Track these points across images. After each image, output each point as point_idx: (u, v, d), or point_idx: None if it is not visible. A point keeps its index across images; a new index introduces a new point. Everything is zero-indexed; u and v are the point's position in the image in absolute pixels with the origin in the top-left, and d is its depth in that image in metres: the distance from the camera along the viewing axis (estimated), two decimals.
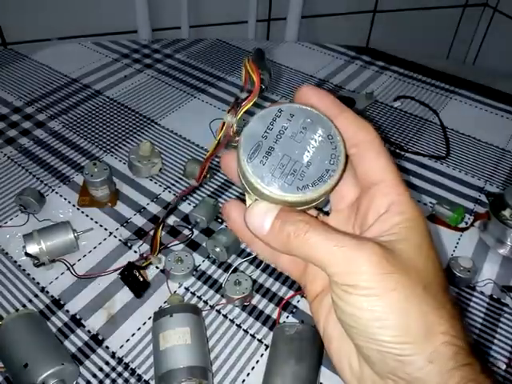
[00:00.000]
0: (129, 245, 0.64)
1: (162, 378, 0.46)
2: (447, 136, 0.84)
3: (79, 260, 0.62)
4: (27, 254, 0.58)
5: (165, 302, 0.57)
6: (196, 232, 0.66)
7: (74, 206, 0.69)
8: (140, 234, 0.65)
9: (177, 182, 0.74)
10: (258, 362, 0.52)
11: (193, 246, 0.64)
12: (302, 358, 0.48)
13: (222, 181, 0.74)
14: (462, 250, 0.65)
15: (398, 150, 0.81)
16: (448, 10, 1.63)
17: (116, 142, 0.81)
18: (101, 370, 0.51)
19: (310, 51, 1.11)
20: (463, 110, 0.92)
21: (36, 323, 0.50)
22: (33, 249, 0.59)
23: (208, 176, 0.73)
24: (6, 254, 0.62)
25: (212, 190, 0.72)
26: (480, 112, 0.92)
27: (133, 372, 0.50)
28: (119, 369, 0.51)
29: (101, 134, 0.83)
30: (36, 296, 0.57)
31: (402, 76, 1.01)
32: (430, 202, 0.71)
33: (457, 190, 0.74)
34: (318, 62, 1.05)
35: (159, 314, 0.50)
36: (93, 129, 0.84)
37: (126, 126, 0.85)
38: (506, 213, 0.62)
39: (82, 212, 0.68)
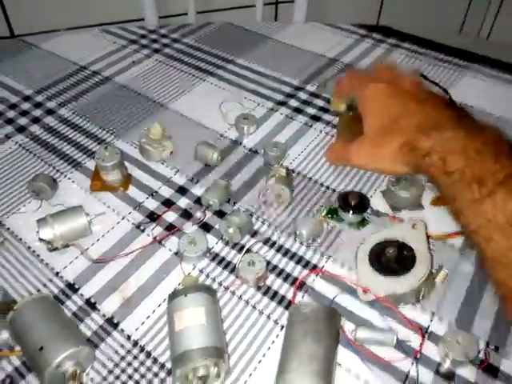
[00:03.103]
0: (141, 228, 0.64)
1: (178, 359, 0.46)
2: None
3: (93, 244, 0.62)
4: (41, 240, 0.58)
5: (179, 284, 0.56)
6: (208, 214, 0.65)
7: (86, 191, 0.69)
8: (153, 217, 0.65)
9: (188, 164, 0.73)
10: (273, 342, 0.51)
11: (206, 228, 0.64)
12: (318, 337, 0.47)
13: (233, 163, 0.73)
14: None
15: None
16: None
17: (127, 128, 0.81)
18: (116, 352, 0.51)
19: (320, 31, 1.09)
20: (475, 86, 0.90)
21: (50, 306, 0.50)
22: (46, 234, 0.59)
23: (219, 158, 0.72)
24: (20, 239, 0.62)
25: (223, 172, 0.72)
26: (493, 87, 0.89)
27: (148, 354, 0.50)
28: (135, 351, 0.51)
29: (111, 119, 0.83)
30: (50, 281, 0.57)
31: (414, 53, 0.99)
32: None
33: None
34: (328, 42, 1.03)
35: (174, 295, 0.50)
36: (103, 115, 0.84)
37: (136, 111, 0.84)
38: None
39: (95, 197, 0.68)
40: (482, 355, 0.49)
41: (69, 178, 0.71)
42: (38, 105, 0.86)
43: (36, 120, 0.83)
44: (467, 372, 0.48)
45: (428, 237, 0.57)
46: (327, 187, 0.69)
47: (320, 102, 0.85)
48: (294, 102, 0.86)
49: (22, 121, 0.83)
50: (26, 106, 0.86)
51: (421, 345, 0.51)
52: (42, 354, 0.45)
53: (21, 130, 0.81)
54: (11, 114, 0.84)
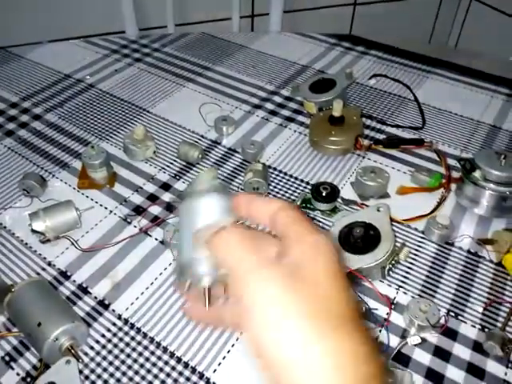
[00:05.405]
0: (128, 220, 0.68)
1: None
2: (421, 108, 0.89)
3: (82, 236, 0.65)
4: (34, 231, 0.62)
5: (165, 269, 0.61)
6: None
7: (74, 188, 0.73)
8: (138, 210, 0.69)
9: (171, 163, 0.78)
10: None
11: None
12: None
13: (214, 160, 0.78)
14: (439, 212, 0.69)
15: (379, 125, 0.85)
16: None
17: (111, 130, 0.85)
18: (109, 330, 0.54)
19: (293, 40, 1.15)
20: (438, 88, 0.97)
21: (46, 288, 0.54)
22: (39, 226, 0.62)
23: (200, 156, 0.77)
24: (13, 234, 0.66)
25: (205, 167, 0.76)
26: (455, 88, 0.96)
27: (138, 330, 0.54)
28: (126, 328, 0.55)
29: (96, 123, 0.87)
30: (44, 269, 0.61)
31: (381, 59, 1.06)
32: (409, 171, 0.76)
33: (434, 159, 0.78)
34: (301, 50, 1.10)
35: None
36: (88, 119, 0.88)
37: (120, 116, 0.89)
38: (477, 174, 0.66)
39: (82, 194, 0.72)
40: (442, 321, 0.55)
41: (57, 178, 0.75)
42: (24, 111, 0.90)
43: (23, 125, 0.87)
44: (430, 336, 0.54)
45: (391, 219, 0.62)
46: (301, 180, 0.74)
47: (293, 105, 0.91)
48: (269, 105, 0.91)
49: (10, 126, 0.86)
50: (12, 112, 0.90)
51: (388, 313, 0.56)
52: (40, 329, 0.49)
53: (9, 133, 0.84)
54: None
